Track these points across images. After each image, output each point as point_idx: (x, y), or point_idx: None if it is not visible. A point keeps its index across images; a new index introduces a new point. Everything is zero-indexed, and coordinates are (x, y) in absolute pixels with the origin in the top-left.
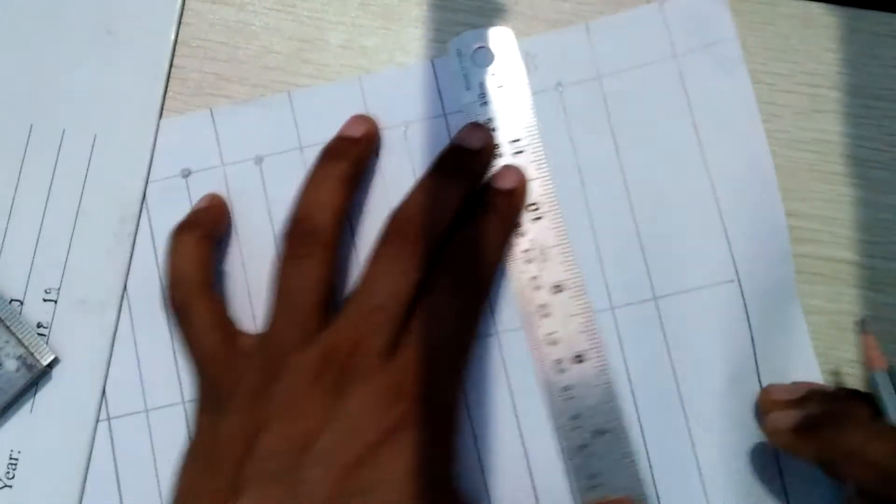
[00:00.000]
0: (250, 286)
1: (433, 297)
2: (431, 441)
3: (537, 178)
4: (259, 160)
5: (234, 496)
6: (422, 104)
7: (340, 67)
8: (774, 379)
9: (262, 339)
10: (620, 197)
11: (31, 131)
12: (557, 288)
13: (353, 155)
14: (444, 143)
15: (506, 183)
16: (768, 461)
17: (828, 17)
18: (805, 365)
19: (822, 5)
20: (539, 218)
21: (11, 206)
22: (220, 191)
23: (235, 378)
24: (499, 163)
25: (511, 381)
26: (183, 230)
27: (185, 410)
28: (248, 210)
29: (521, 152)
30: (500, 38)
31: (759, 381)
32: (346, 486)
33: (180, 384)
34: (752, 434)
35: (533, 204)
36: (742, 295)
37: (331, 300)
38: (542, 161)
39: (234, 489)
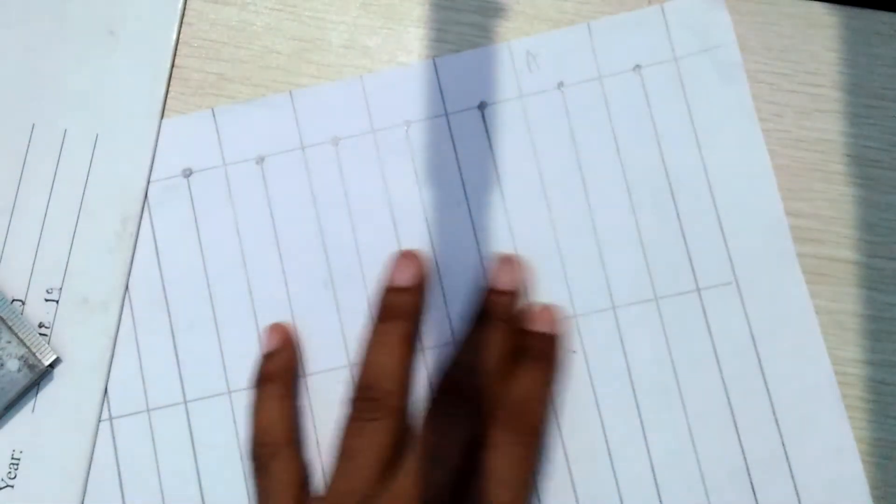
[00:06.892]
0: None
1: (494, 455)
2: None
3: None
4: (261, 160)
5: None
6: (423, 104)
7: (342, 67)
8: (782, 382)
9: (323, 501)
10: (621, 196)
11: (32, 131)
12: None
13: (409, 311)
14: (446, 142)
15: (544, 326)
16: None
17: (829, 17)
18: (816, 366)
19: (824, 5)
20: None
21: (13, 206)
22: (222, 190)
23: None
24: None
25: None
26: (265, 383)
27: (187, 410)
28: (250, 210)
29: None
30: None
31: (767, 387)
32: None
33: (182, 384)
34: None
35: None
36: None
37: (395, 460)
38: None
39: None
